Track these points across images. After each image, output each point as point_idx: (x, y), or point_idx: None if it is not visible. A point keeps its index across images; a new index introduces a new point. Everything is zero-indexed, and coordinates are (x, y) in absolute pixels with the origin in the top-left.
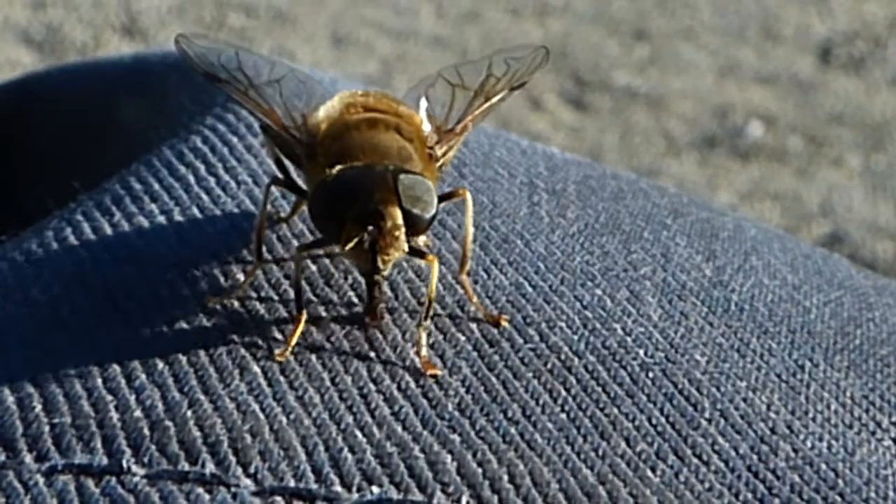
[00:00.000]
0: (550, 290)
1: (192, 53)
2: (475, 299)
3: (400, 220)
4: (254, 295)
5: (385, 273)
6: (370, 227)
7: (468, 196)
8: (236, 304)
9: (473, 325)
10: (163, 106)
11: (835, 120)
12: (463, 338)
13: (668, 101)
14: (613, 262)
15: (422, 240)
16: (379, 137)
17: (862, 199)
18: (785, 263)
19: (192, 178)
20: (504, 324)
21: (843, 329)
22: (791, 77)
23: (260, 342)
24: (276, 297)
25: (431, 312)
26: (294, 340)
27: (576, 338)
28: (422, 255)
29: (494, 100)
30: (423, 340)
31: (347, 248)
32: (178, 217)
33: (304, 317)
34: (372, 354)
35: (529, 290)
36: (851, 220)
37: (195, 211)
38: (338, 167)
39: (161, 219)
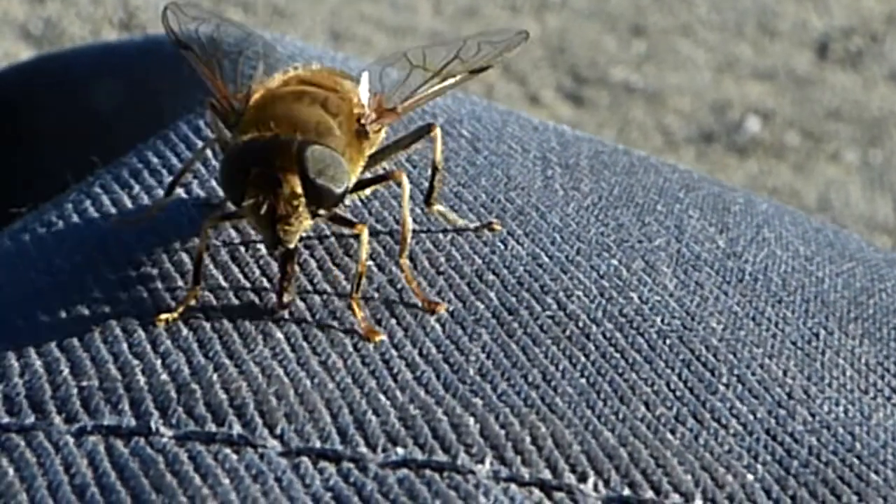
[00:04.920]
0: (567, 260)
1: (175, 22)
2: (413, 284)
3: (299, 189)
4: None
5: (290, 246)
6: (268, 194)
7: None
8: (257, 273)
9: (492, 294)
10: (141, 86)
11: (832, 115)
12: (482, 306)
13: (666, 96)
14: (628, 233)
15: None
16: (300, 110)
17: (859, 194)
18: (796, 236)
19: (209, 151)
20: (440, 311)
21: (856, 299)
22: (788, 72)
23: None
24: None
25: (362, 285)
26: (181, 309)
27: (593, 306)
28: (350, 224)
29: (448, 82)
30: (359, 313)
31: (245, 210)
32: (196, 190)
33: (199, 291)
34: (393, 322)
35: (546, 260)
36: (849, 214)
37: (214, 184)
38: (248, 136)
39: (180, 191)
